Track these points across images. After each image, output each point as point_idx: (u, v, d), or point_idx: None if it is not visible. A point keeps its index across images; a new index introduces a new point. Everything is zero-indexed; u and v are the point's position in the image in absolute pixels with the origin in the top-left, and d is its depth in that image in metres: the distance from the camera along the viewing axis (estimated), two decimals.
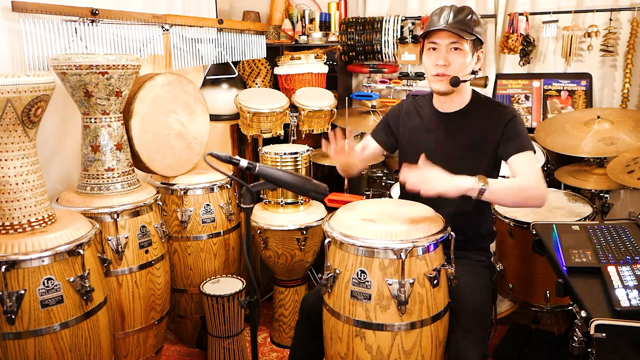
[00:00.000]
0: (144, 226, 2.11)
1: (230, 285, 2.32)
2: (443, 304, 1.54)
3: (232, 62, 3.06)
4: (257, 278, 3.00)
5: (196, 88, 2.57)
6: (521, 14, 2.97)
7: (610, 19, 2.83)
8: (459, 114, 1.78)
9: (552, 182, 2.64)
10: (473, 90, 1.82)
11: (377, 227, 1.50)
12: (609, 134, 2.44)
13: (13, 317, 1.55)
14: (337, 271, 1.53)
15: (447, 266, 1.55)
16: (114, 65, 1.96)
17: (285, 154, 2.54)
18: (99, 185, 2.07)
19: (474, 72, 1.75)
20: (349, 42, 3.26)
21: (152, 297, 2.16)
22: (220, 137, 2.97)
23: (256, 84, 3.25)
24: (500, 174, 1.83)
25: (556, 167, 2.66)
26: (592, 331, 1.21)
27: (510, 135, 1.69)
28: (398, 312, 1.46)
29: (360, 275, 1.48)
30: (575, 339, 1.34)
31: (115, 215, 2.00)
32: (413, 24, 3.24)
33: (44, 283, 1.58)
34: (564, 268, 1.47)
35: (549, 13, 2.92)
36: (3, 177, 1.64)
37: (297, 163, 2.57)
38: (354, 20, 3.27)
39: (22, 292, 1.56)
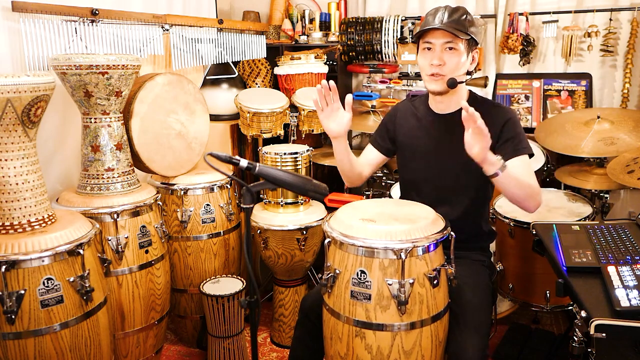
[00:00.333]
0: (144, 226, 2.11)
1: (230, 285, 2.32)
2: (443, 304, 1.54)
3: (232, 62, 3.06)
4: (257, 278, 3.00)
5: (196, 88, 2.57)
6: (521, 14, 2.97)
7: (610, 19, 2.82)
8: (455, 115, 1.77)
9: (552, 182, 2.65)
10: (470, 91, 1.82)
11: (377, 227, 1.50)
12: (609, 134, 2.44)
13: (13, 317, 1.55)
14: (337, 271, 1.53)
15: (447, 266, 1.55)
16: (114, 65, 1.96)
17: (285, 154, 2.54)
18: (99, 185, 2.07)
19: (469, 73, 1.74)
20: (349, 42, 3.26)
21: (152, 297, 2.16)
22: (220, 137, 2.97)
23: (256, 84, 3.25)
24: None
25: (556, 167, 2.66)
26: (592, 331, 1.21)
27: (508, 137, 1.69)
28: (398, 312, 1.46)
29: (360, 275, 1.48)
30: (575, 339, 1.34)
31: (115, 215, 2.00)
32: (413, 24, 3.23)
33: (44, 283, 1.58)
34: (564, 268, 1.47)
35: (549, 13, 2.92)
36: (3, 177, 1.64)
37: (297, 163, 2.57)
38: (354, 20, 3.27)
39: (22, 292, 1.56)
